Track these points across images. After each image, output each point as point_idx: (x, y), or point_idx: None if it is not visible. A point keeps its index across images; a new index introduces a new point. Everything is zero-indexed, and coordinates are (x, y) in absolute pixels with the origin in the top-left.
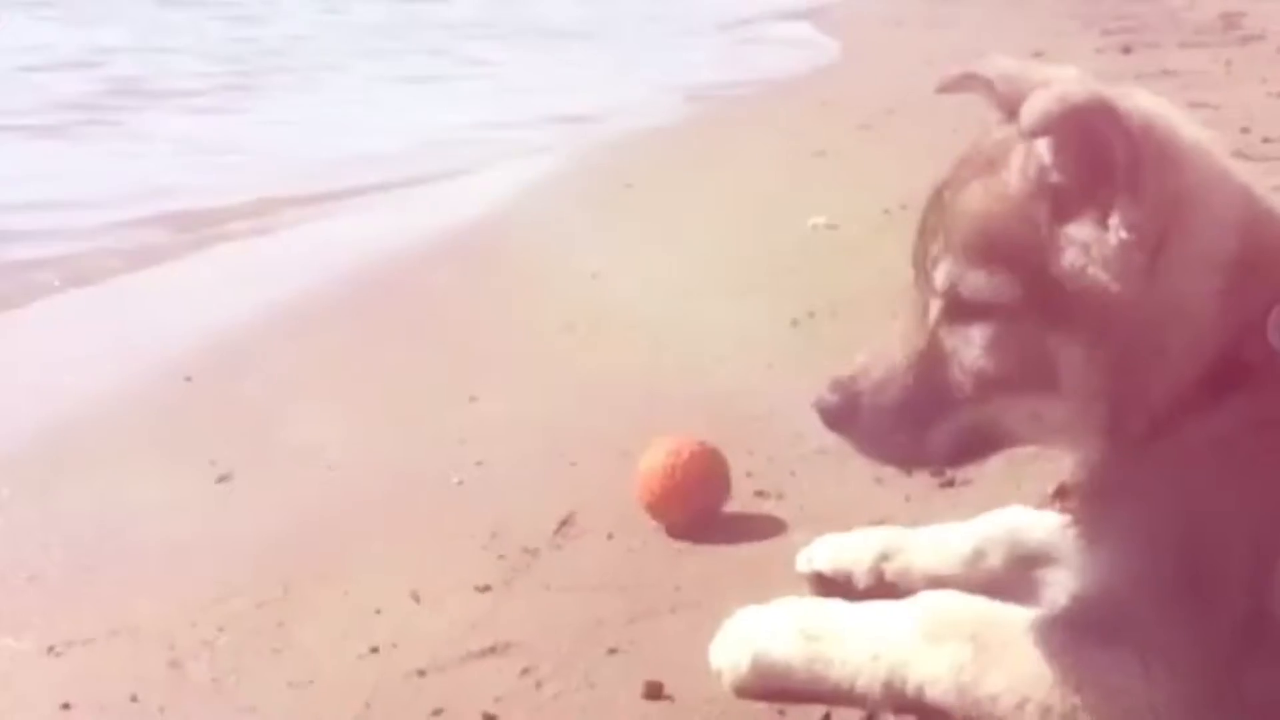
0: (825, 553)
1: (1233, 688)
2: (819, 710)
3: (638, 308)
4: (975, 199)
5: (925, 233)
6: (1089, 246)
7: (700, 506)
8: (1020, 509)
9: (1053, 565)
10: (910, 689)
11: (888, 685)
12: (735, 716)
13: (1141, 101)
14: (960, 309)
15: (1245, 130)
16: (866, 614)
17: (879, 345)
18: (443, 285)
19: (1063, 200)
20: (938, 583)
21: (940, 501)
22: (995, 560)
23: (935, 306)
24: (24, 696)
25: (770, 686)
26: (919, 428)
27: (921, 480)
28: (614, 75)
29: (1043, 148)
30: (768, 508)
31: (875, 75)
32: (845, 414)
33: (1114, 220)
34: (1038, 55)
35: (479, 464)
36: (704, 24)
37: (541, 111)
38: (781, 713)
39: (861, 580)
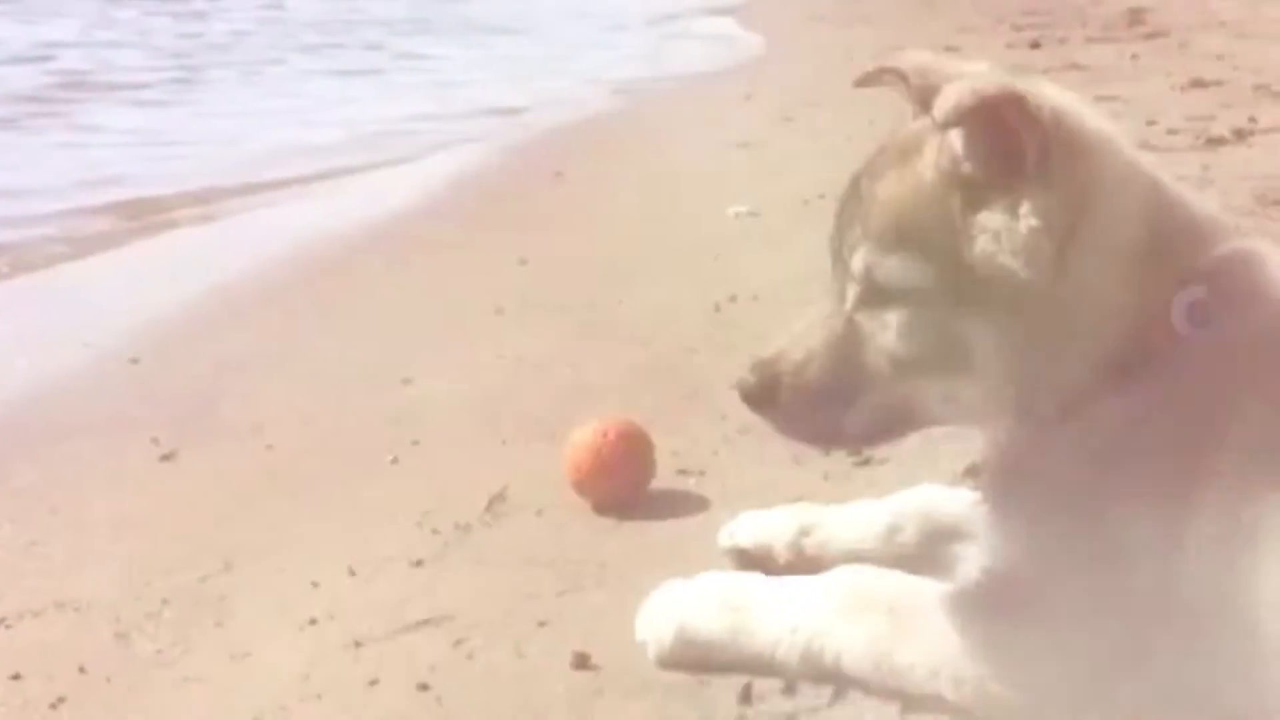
0: (747, 529)
1: (1140, 661)
2: (740, 680)
3: (566, 292)
4: (891, 188)
5: (843, 220)
6: (1000, 234)
7: (626, 484)
8: (934, 487)
9: (965, 541)
10: (828, 659)
11: (806, 656)
12: (660, 686)
13: (1051, 94)
14: (876, 294)
15: (1151, 122)
16: (786, 588)
17: (798, 329)
18: (379, 270)
19: (975, 189)
20: (855, 557)
21: (857, 480)
22: (910, 536)
23: (852, 291)
24: None
25: (693, 657)
26: (837, 408)
27: (839, 459)
28: (544, 69)
29: (955, 139)
30: (691, 486)
31: (796, 69)
32: (765, 395)
33: (1024, 209)
34: (951, 50)
35: (413, 443)
36: (632, 20)
37: (474, 104)
38: (704, 683)
39: (781, 555)
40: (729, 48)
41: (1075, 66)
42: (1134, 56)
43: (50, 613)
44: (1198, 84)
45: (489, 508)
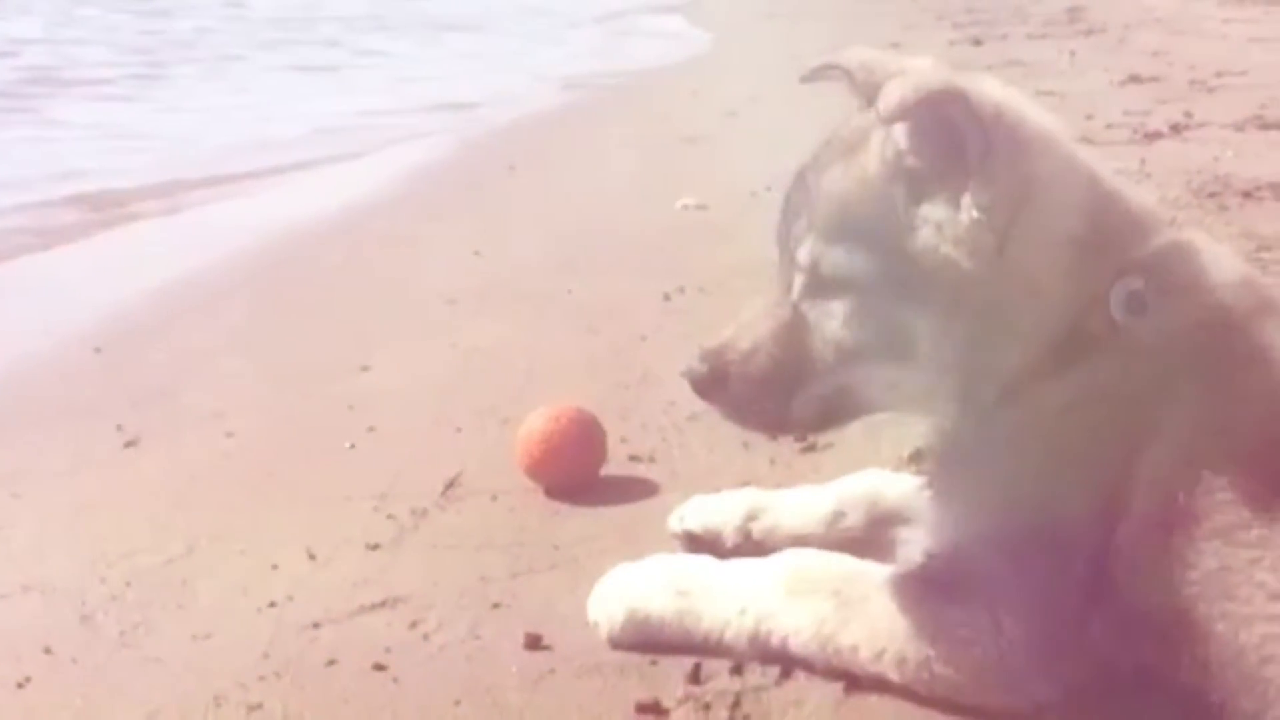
0: (695, 513)
1: (1077, 641)
2: (689, 661)
3: (519, 283)
4: (836, 181)
5: (789, 213)
6: (942, 226)
7: (578, 469)
8: (878, 472)
9: (908, 525)
10: (775, 641)
11: (754, 637)
12: (610, 666)
13: (992, 90)
14: (822, 284)
15: (1089, 117)
16: (734, 571)
17: (746, 318)
18: (337, 262)
19: (918, 182)
20: (801, 541)
21: (803, 465)
22: (854, 520)
23: (798, 282)
24: None
25: (643, 638)
26: (783, 396)
27: (785, 445)
28: (498, 65)
29: (899, 133)
30: (641, 471)
31: (742, 66)
32: (714, 383)
33: (966, 201)
34: (895, 47)
35: (370, 430)
36: (583, 17)
37: (429, 99)
38: (654, 663)
39: (729, 539)
40: (677, 44)
41: (1015, 63)
42: (1072, 53)
43: (16, 595)
44: (1134, 80)
45: (444, 492)
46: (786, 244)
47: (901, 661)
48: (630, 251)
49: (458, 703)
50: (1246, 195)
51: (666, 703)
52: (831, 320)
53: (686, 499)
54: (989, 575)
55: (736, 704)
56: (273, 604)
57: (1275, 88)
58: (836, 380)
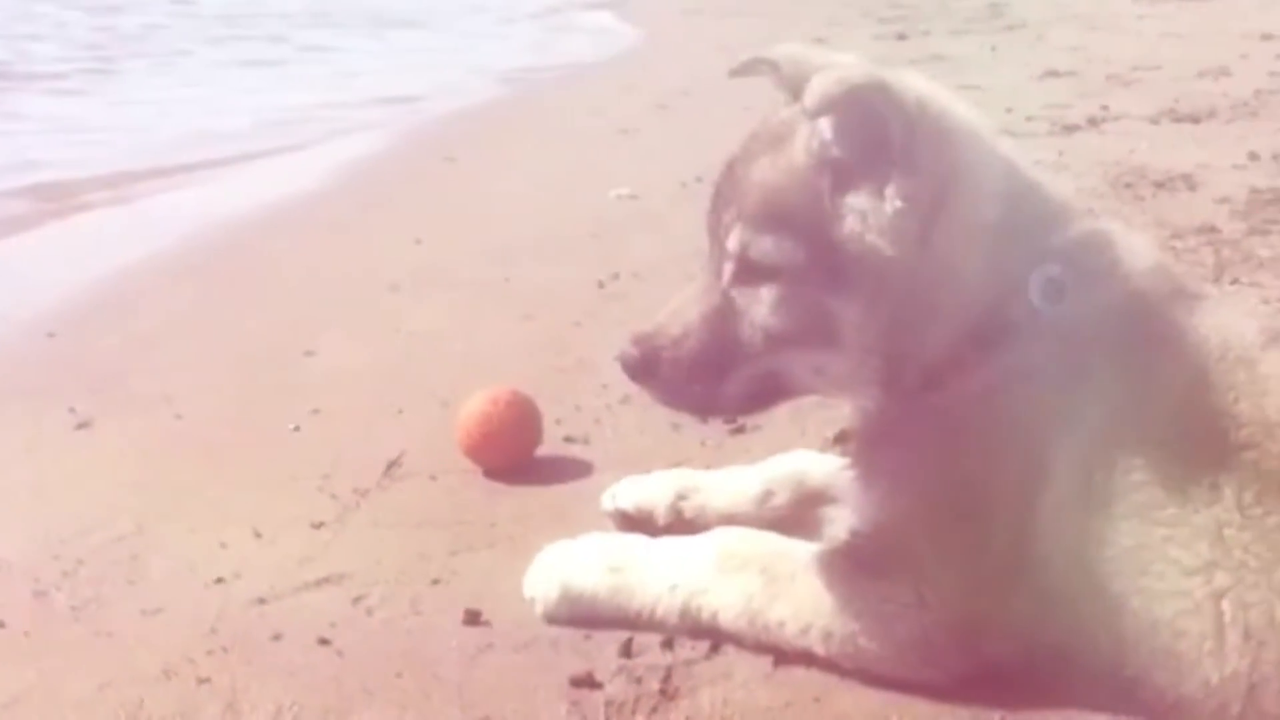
0: (628, 493)
1: (997, 615)
2: (622, 635)
3: (458, 270)
4: (764, 172)
5: (719, 202)
6: (867, 215)
7: (515, 450)
8: (805, 453)
9: (834, 504)
10: (705, 616)
11: (684, 613)
12: (546, 641)
13: (915, 84)
14: (750, 271)
15: (1009, 110)
16: (665, 548)
17: (677, 304)
18: (282, 250)
19: (843, 173)
20: (730, 520)
21: (732, 446)
22: (782, 499)
23: (728, 269)
24: None
25: (578, 613)
26: (713, 379)
27: (716, 427)
28: (438, 60)
29: (825, 125)
30: (576, 452)
31: (673, 60)
32: (646, 366)
33: (889, 191)
34: (821, 42)
35: (314, 412)
36: (519, 14)
37: (371, 93)
38: (588, 637)
39: (661, 518)
40: (610, 40)
41: (938, 57)
42: (993, 48)
43: None
44: (1053, 74)
45: (386, 473)
46: (716, 232)
47: (827, 636)
48: (565, 240)
49: (399, 675)
50: (1160, 185)
51: (600, 676)
52: (760, 306)
53: (619, 479)
54: (912, 553)
55: (668, 677)
56: (220, 580)
57: (1188, 82)
58: (764, 364)
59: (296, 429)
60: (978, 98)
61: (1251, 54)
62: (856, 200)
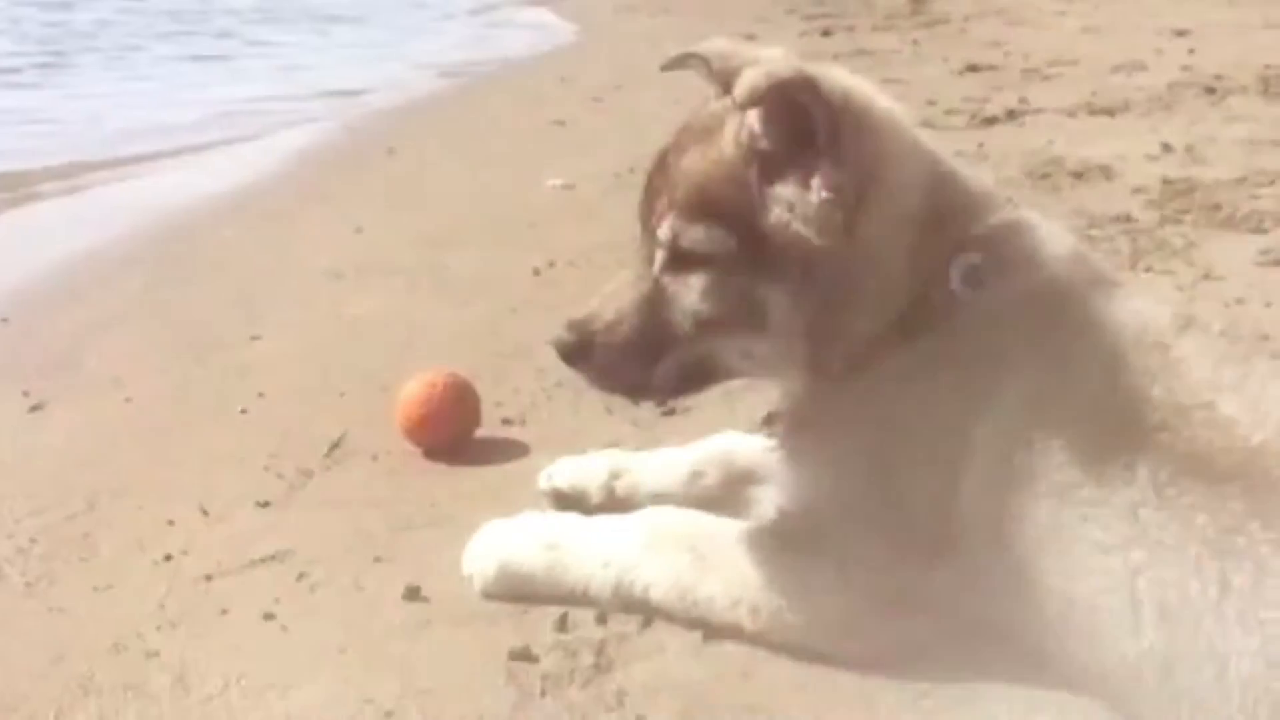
0: (563, 473)
1: (920, 591)
2: (557, 611)
3: (397, 258)
4: (694, 162)
5: (650, 192)
6: (794, 205)
7: (453, 432)
8: (734, 434)
9: (762, 484)
10: (637, 592)
11: (617, 589)
12: (483, 616)
13: (840, 77)
14: (681, 259)
15: (931, 103)
16: (599, 527)
17: (610, 291)
18: (228, 238)
19: (770, 164)
20: (661, 499)
21: (663, 428)
22: (712, 479)
23: (659, 257)
24: None
25: (515, 590)
26: (645, 363)
27: (647, 410)
28: (379, 55)
29: (753, 118)
30: (513, 433)
31: (607, 54)
32: (580, 351)
33: (816, 182)
34: (749, 38)
35: (260, 395)
36: (458, 10)
37: (315, 87)
38: (525, 613)
39: (595, 497)
40: (546, 35)
41: (862, 52)
42: (915, 43)
43: None
44: (973, 68)
45: (329, 453)
46: (648, 221)
47: (755, 611)
48: (502, 229)
49: (342, 650)
50: (1077, 176)
51: (536, 649)
52: (690, 293)
53: (555, 460)
54: (837, 531)
55: (601, 650)
56: (169, 557)
57: (1104, 76)
58: (695, 349)
59: (243, 411)
60: (900, 91)
61: (1165, 49)
62: (784, 190)
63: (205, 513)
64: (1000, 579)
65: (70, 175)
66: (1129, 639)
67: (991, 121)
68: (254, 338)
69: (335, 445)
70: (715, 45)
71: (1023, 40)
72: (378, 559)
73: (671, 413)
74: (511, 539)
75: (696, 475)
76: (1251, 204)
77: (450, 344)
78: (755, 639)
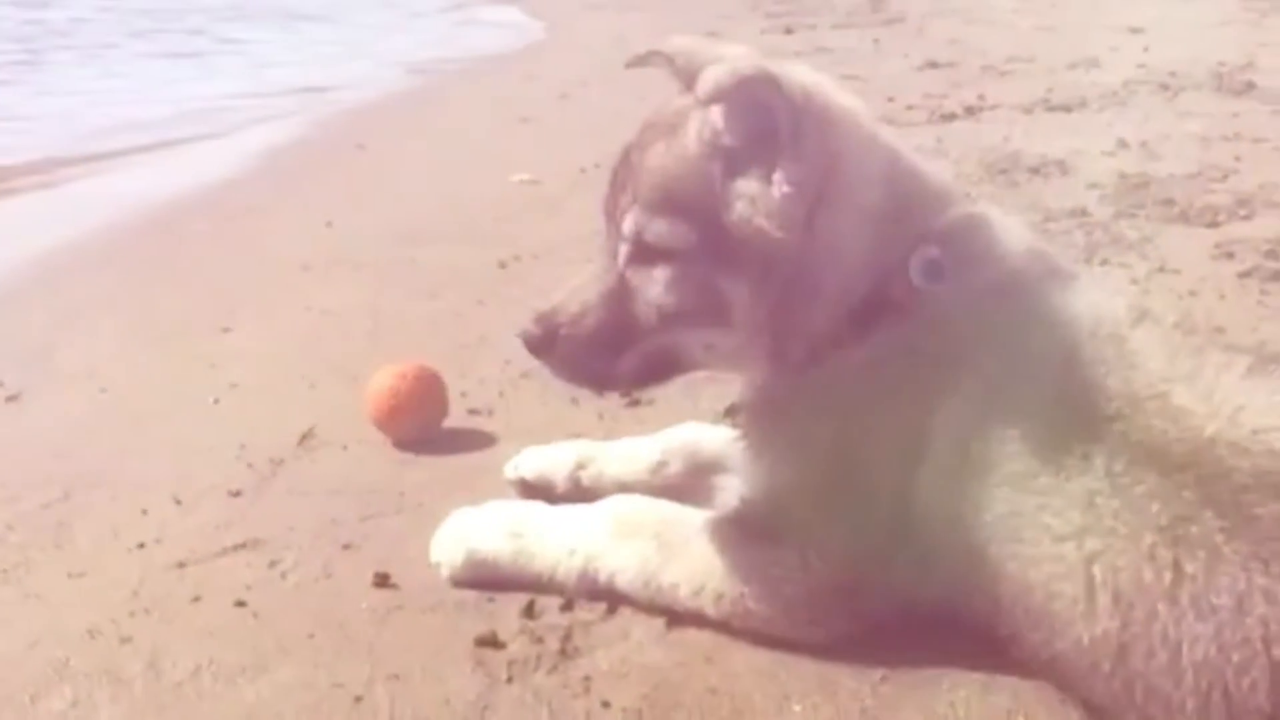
0: (529, 462)
1: (879, 578)
2: (524, 598)
3: (367, 252)
4: (658, 158)
5: (615, 187)
6: (756, 199)
7: (421, 422)
8: (697, 425)
9: (725, 473)
10: (602, 579)
11: (582, 576)
12: (451, 603)
13: (801, 74)
14: (645, 253)
15: (890, 99)
16: (564, 515)
17: (575, 284)
18: (201, 232)
19: (733, 159)
20: (626, 488)
21: (628, 418)
22: (676, 469)
23: (623, 250)
24: None
25: (482, 577)
26: (609, 355)
27: (612, 400)
28: (349, 53)
29: (716, 114)
30: (480, 423)
31: (573, 52)
32: (545, 343)
33: (777, 177)
34: (712, 35)
35: (231, 386)
36: (427, 8)
37: (286, 84)
38: (491, 600)
39: (560, 486)
40: (513, 33)
41: (823, 50)
42: (875, 40)
43: None
44: (932, 65)
45: (299, 443)
46: (613, 216)
47: (718, 598)
48: (469, 223)
49: (312, 636)
50: (1034, 171)
51: (503, 636)
52: (654, 286)
53: (521, 450)
54: (798, 519)
55: (567, 637)
56: (142, 545)
57: (1060, 73)
58: (658, 341)
59: (215, 402)
60: (860, 88)
61: (1120, 46)
62: (746, 185)
63: (178, 502)
64: (958, 566)
65: (45, 171)
66: (1084, 625)
67: (950, 118)
68: (226, 330)
69: (305, 436)
70: (679, 43)
71: (980, 38)
72: (347, 547)
73: (636, 404)
74: (479, 527)
75: (661, 465)
76: (1205, 198)
77: (418, 336)
78: (718, 625)
